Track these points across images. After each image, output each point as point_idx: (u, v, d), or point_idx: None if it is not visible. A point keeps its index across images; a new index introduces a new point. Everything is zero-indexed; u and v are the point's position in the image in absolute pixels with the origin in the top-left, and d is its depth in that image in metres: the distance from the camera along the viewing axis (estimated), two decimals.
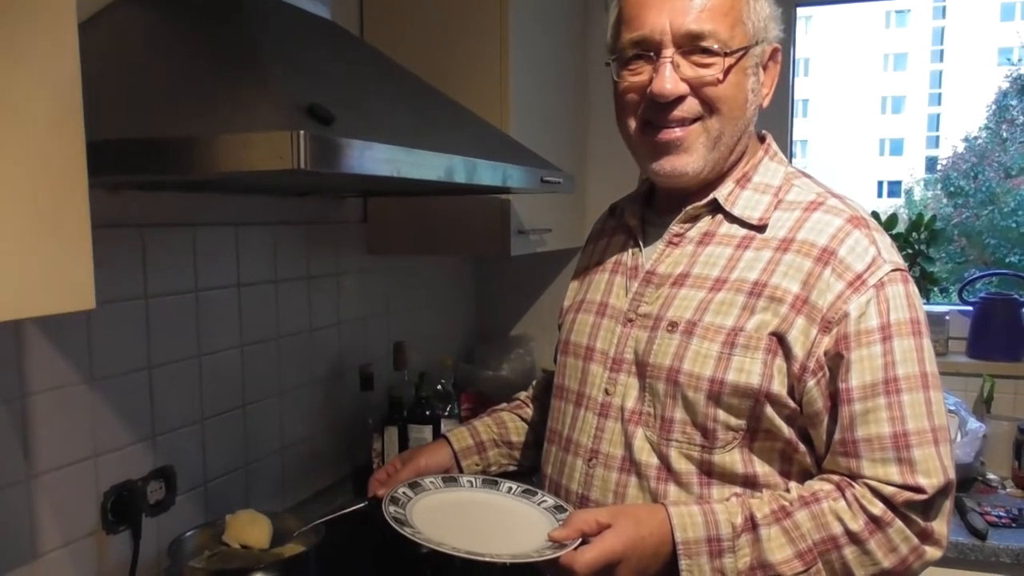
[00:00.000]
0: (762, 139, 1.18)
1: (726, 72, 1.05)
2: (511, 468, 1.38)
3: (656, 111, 1.07)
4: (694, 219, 1.13)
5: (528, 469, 1.40)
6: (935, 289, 2.62)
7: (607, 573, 0.97)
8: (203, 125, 0.89)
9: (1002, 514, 1.91)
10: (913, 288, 1.04)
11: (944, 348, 2.34)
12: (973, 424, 2.06)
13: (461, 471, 1.32)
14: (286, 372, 1.77)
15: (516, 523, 1.10)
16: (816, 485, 1.02)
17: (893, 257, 1.05)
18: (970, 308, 2.38)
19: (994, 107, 11.55)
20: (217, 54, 1.01)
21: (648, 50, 1.06)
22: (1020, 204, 7.63)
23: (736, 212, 1.10)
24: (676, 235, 1.13)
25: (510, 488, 1.19)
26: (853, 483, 1.00)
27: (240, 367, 1.63)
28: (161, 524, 1.43)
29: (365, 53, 1.51)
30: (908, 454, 0.98)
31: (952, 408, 2.13)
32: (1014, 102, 10.62)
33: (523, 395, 1.46)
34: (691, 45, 1.04)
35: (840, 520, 0.98)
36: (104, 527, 1.32)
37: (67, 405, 1.25)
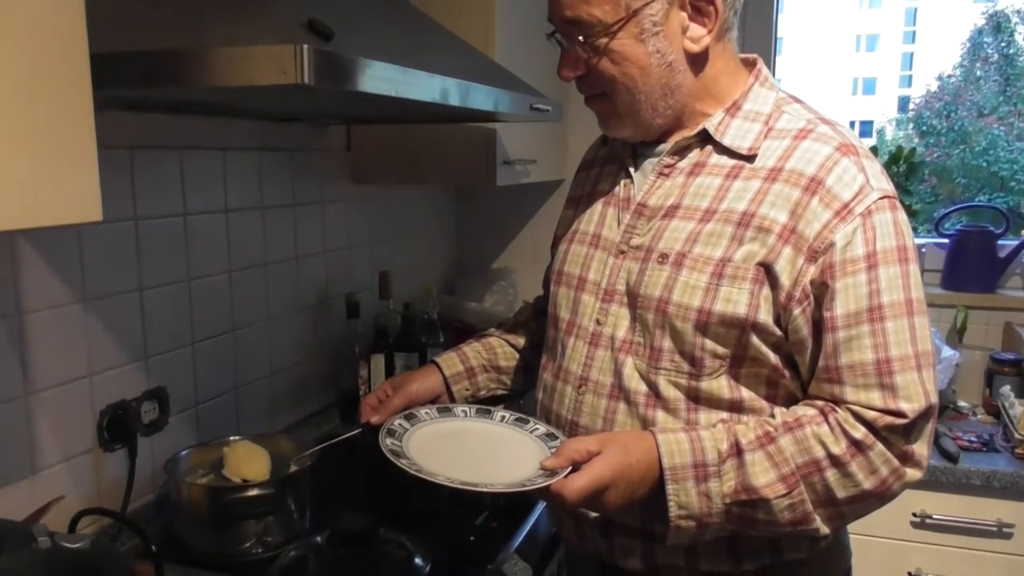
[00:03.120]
0: (752, 64, 1.17)
1: (602, 54, 1.07)
2: (500, 392, 1.40)
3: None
4: (684, 149, 1.13)
5: (517, 393, 1.42)
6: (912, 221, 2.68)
7: (597, 498, 1.00)
8: (202, 38, 0.88)
9: (973, 439, 1.99)
10: (902, 215, 1.05)
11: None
12: (947, 352, 2.14)
13: (451, 396, 1.34)
14: (273, 298, 1.78)
15: (509, 451, 1.13)
16: (800, 410, 1.04)
17: (882, 184, 1.05)
18: (946, 241, 2.44)
19: (969, 45, 11.48)
20: None
21: (555, 33, 1.13)
22: (992, 143, 7.70)
23: (726, 142, 1.10)
24: (667, 166, 1.14)
25: (503, 417, 1.22)
26: (836, 408, 1.02)
27: (229, 292, 1.64)
28: (155, 443, 1.46)
29: None
30: (890, 380, 1.00)
31: None
32: (989, 39, 10.60)
33: (510, 320, 1.49)
34: (570, 31, 1.08)
35: (823, 444, 1.00)
36: (101, 445, 1.35)
37: (62, 324, 1.26)
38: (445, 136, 1.91)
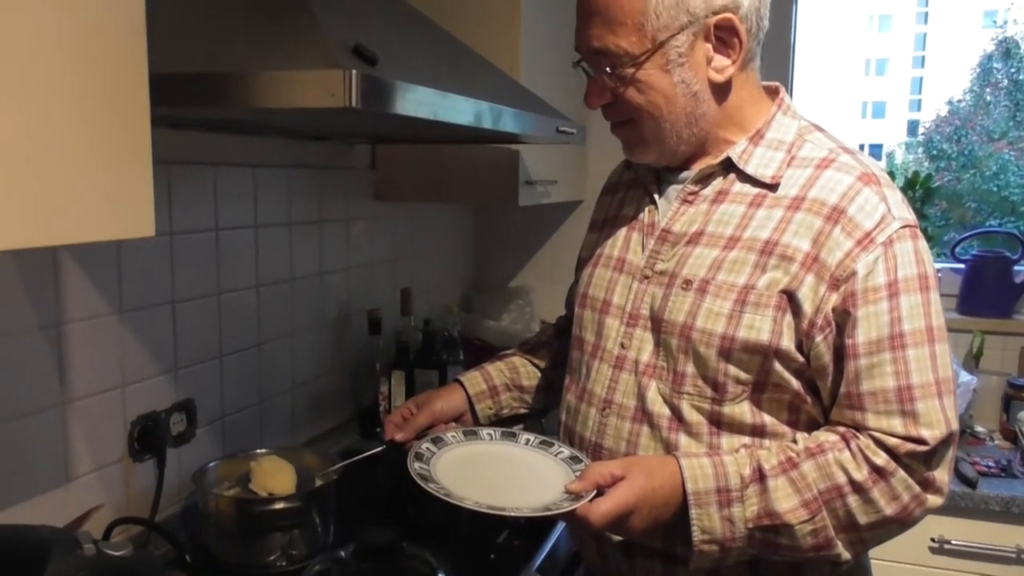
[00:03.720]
0: (775, 92, 1.18)
1: (628, 84, 1.09)
2: (522, 411, 1.41)
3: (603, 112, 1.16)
4: (708, 177, 1.15)
5: (539, 412, 1.43)
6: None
7: (621, 522, 1.02)
8: (253, 61, 0.91)
9: (991, 464, 1.99)
10: (922, 243, 1.06)
11: None
12: (964, 377, 2.14)
13: (475, 415, 1.35)
14: (298, 313, 1.80)
15: (535, 474, 1.14)
16: (822, 436, 1.05)
17: (903, 213, 1.06)
18: (961, 266, 2.45)
19: (978, 70, 11.50)
20: None
21: (581, 62, 1.14)
22: (1002, 168, 7.69)
23: (749, 170, 1.11)
24: (691, 193, 1.16)
25: (528, 440, 1.23)
26: (858, 434, 1.03)
27: (256, 306, 1.66)
28: (183, 455, 1.48)
29: None
30: (912, 407, 1.01)
31: None
32: (998, 65, 10.61)
33: (533, 339, 1.50)
34: (596, 61, 1.10)
35: (844, 470, 1.01)
36: (131, 455, 1.36)
37: (99, 335, 1.29)
38: (469, 156, 1.93)
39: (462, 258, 2.68)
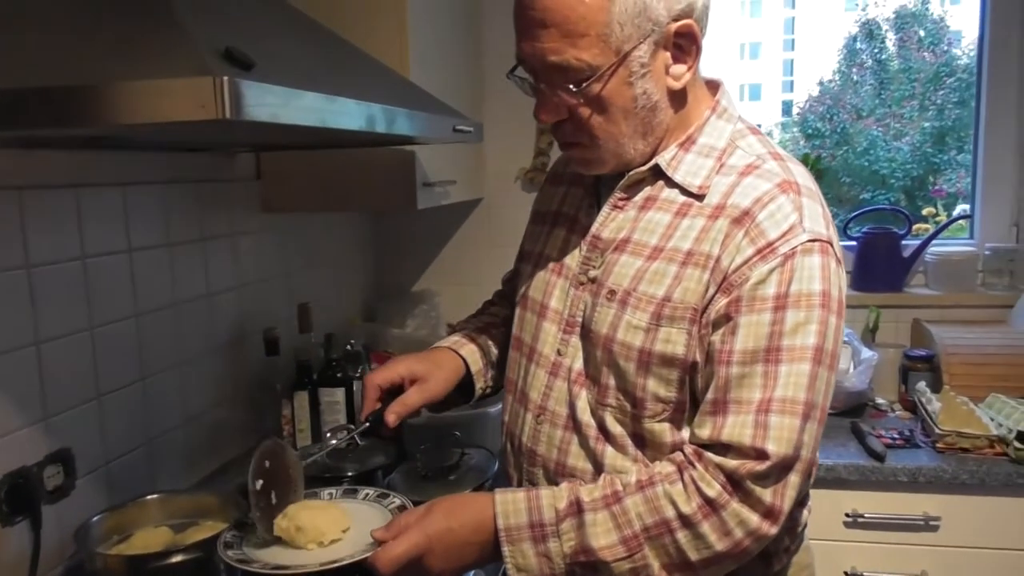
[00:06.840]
0: (716, 88, 1.13)
1: (591, 101, 1.02)
2: (489, 393, 1.34)
3: (551, 128, 1.09)
4: (639, 183, 1.10)
5: (493, 392, 1.36)
6: None
7: (414, 565, 0.98)
8: (111, 71, 0.79)
9: (895, 436, 2.04)
10: (831, 261, 0.99)
11: None
12: (866, 353, 2.19)
13: (471, 393, 1.30)
14: (186, 341, 1.66)
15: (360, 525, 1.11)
16: (658, 467, 1.01)
17: (815, 227, 1.00)
18: (853, 243, 2.52)
19: (845, 51, 12.10)
20: None
21: (516, 70, 1.07)
22: (871, 144, 8.12)
23: (677, 179, 1.06)
24: (621, 199, 1.11)
25: (331, 494, 1.21)
26: (695, 463, 0.98)
27: (136, 338, 1.52)
28: (62, 510, 1.33)
29: None
30: (765, 418, 0.95)
31: (846, 339, 2.25)
32: (863, 46, 11.21)
33: (484, 319, 1.40)
34: (551, 77, 1.03)
35: (673, 503, 0.96)
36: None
37: None
38: (362, 160, 1.83)
39: (361, 266, 2.56)
